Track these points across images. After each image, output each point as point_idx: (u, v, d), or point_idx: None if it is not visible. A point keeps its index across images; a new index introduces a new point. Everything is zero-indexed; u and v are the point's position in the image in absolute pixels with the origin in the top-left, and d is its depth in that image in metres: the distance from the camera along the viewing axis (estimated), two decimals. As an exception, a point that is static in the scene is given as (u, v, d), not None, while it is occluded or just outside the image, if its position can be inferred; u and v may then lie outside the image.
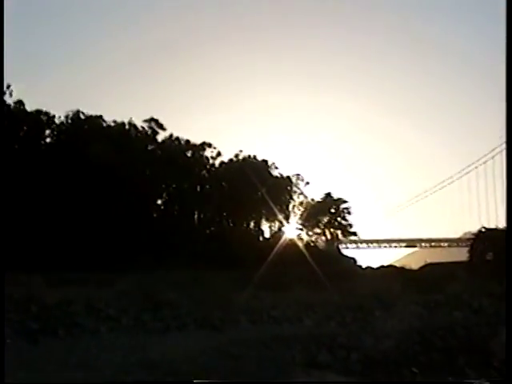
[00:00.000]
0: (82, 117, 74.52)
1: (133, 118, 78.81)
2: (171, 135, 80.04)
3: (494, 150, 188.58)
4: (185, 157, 79.51)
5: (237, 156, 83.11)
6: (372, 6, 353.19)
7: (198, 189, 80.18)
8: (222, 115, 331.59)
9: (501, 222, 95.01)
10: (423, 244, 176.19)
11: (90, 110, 75.23)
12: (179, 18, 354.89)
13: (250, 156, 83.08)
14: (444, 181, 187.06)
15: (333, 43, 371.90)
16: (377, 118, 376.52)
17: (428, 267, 75.69)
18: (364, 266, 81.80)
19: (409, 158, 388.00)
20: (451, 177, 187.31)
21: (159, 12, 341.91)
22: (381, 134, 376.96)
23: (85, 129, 73.46)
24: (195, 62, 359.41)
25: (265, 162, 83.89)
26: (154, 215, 78.18)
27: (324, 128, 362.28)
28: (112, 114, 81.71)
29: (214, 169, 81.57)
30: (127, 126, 78.26)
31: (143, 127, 78.04)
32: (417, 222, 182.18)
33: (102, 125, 76.14)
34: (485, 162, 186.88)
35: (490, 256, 68.25)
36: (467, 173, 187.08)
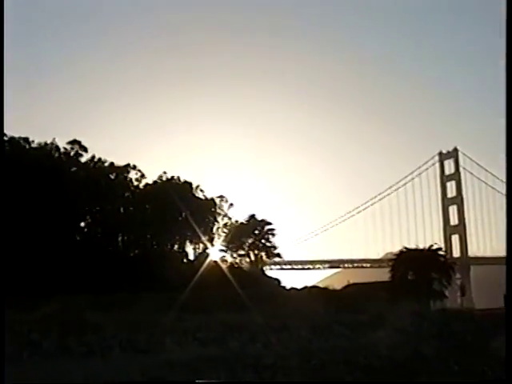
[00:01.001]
0: (5, 138, 72.71)
1: (56, 139, 77.37)
2: (93, 157, 79.21)
3: (412, 172, 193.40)
4: (108, 179, 78.36)
5: (160, 178, 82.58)
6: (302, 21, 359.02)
7: (122, 211, 79.31)
8: (145, 137, 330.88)
9: (421, 242, 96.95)
10: (346, 265, 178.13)
11: (11, 132, 74.18)
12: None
13: (173, 177, 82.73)
14: (365, 203, 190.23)
15: (262, 54, 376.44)
16: (302, 135, 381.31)
17: (351, 287, 76.35)
18: (288, 287, 78.83)
19: (331, 180, 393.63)
20: (372, 198, 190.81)
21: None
22: (305, 153, 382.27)
23: (6, 150, 71.72)
24: (119, 82, 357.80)
25: (188, 183, 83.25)
26: (77, 238, 76.78)
27: (248, 146, 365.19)
28: (35, 135, 79.67)
29: (138, 191, 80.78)
30: (50, 148, 77.11)
31: (66, 148, 76.83)
32: (340, 244, 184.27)
33: (23, 146, 74.76)
34: (405, 184, 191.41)
35: (410, 275, 69.32)
36: (388, 194, 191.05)
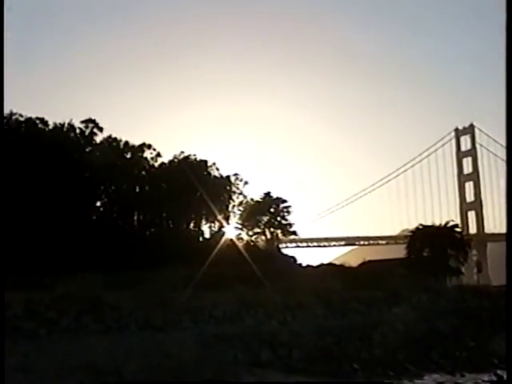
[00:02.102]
0: (21, 119, 72.82)
1: (73, 120, 77.22)
2: (109, 136, 78.97)
3: (428, 149, 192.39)
4: (124, 158, 78.44)
5: (176, 157, 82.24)
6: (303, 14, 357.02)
7: (138, 190, 78.94)
8: (162, 117, 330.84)
9: (437, 219, 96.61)
10: (362, 242, 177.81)
11: (27, 112, 74.29)
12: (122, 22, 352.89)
13: (189, 156, 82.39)
14: (382, 179, 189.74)
15: (266, 49, 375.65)
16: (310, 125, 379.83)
17: (367, 264, 74.80)
18: (304, 265, 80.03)
19: (347, 158, 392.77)
20: (389, 175, 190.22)
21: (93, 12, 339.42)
22: (321, 128, 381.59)
23: (21, 131, 71.87)
24: (135, 64, 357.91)
25: (204, 162, 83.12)
26: (93, 217, 76.95)
27: (259, 134, 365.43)
28: (51, 116, 79.75)
29: (153, 170, 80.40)
30: (66, 128, 77.06)
31: (81, 128, 76.65)
32: (356, 221, 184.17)
33: (38, 127, 74.74)
34: (420, 161, 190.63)
35: (426, 252, 69.24)
36: (404, 171, 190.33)
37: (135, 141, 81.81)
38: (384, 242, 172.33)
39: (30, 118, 74.43)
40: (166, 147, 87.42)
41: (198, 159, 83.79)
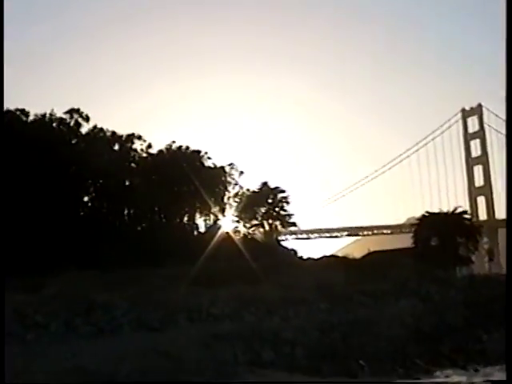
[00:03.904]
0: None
1: (54, 110, 76.57)
2: (95, 126, 78.89)
3: (434, 132, 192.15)
4: (111, 150, 78.78)
5: (168, 147, 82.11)
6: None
7: (128, 183, 79.15)
8: (151, 105, 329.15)
9: (444, 206, 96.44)
10: (365, 232, 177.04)
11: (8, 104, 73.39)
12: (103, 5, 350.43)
13: (181, 147, 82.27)
14: (384, 166, 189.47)
15: (277, 23, 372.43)
16: (315, 102, 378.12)
17: (372, 255, 75.43)
18: (305, 258, 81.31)
19: (348, 144, 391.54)
20: (392, 160, 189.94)
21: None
22: (316, 118, 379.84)
23: (4, 123, 70.92)
24: (121, 49, 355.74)
25: (197, 152, 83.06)
26: (81, 213, 76.67)
27: (260, 113, 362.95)
28: (32, 107, 79.30)
29: (143, 162, 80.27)
30: (48, 119, 76.35)
31: (64, 119, 76.01)
32: (358, 210, 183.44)
33: (21, 119, 74.05)
34: (425, 145, 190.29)
35: (434, 241, 69.15)
36: (408, 156, 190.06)
37: (124, 131, 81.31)
38: (389, 231, 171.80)
39: (10, 110, 73.98)
40: (158, 137, 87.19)
41: (190, 149, 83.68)
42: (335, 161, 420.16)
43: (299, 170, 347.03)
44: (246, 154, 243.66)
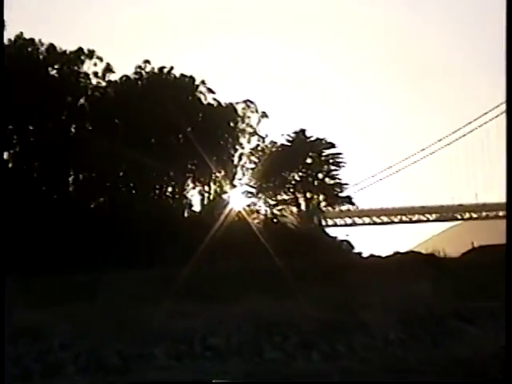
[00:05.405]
0: None
1: None
2: (20, 35, 59.43)
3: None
4: (47, 75, 58.85)
5: (139, 71, 62.14)
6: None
7: (72, 130, 59.69)
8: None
9: None
10: (467, 214, 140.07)
11: None
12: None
13: (161, 69, 63.40)
14: (469, 123, 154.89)
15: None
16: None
17: (477, 253, 60.34)
18: (366, 255, 64.93)
19: (417, 97, 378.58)
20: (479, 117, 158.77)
21: None
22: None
23: None
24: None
25: (191, 79, 63.31)
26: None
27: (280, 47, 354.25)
28: None
29: (98, 94, 61.29)
30: None
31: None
32: (436, 183, 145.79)
33: None
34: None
35: None
36: (496, 116, 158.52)
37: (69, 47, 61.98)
38: (502, 213, 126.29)
39: None
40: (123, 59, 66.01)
41: (176, 75, 64.27)
42: (399, 115, 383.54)
43: (345, 125, 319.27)
44: (264, 94, 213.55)
